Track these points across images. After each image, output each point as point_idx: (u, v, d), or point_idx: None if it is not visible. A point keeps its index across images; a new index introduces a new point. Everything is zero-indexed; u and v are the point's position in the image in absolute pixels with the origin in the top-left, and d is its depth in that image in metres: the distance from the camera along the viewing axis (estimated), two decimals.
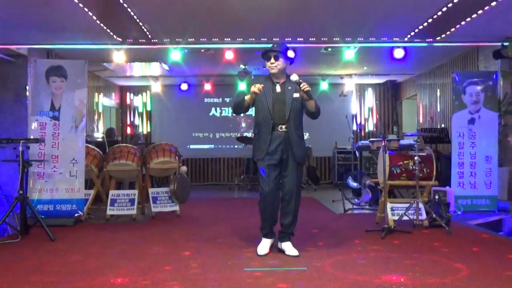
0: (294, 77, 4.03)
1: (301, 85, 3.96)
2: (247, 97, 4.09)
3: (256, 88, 3.98)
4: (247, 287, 3.21)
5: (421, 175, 5.31)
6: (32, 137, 5.70)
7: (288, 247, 4.10)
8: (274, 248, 4.22)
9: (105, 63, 8.97)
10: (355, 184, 7.68)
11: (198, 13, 5.83)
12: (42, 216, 5.23)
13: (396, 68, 9.67)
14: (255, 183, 9.69)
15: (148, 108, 12.15)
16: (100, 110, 10.39)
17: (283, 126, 4.07)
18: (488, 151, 6.63)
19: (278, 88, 4.17)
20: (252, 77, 9.26)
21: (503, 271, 3.53)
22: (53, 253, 4.24)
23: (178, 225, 5.72)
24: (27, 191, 5.28)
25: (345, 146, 11.11)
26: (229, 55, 7.53)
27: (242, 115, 11.12)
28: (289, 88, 4.15)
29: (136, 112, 12.15)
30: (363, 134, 12.05)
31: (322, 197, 8.51)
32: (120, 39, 6.83)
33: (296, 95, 4.12)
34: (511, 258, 3.96)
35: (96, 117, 10.05)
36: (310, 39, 7.01)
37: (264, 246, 4.13)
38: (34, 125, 5.88)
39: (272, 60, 4.10)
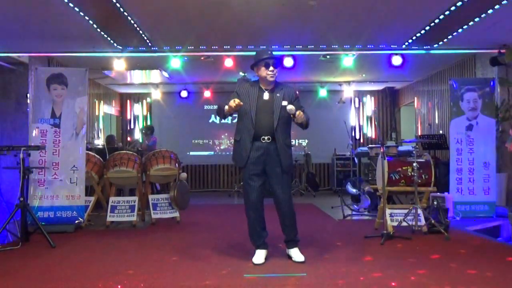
0: (289, 107, 3.87)
1: (296, 115, 3.86)
2: (226, 108, 3.93)
3: (234, 104, 3.84)
4: None
5: (419, 181, 5.33)
6: (33, 144, 5.72)
7: (295, 253, 4.05)
8: (273, 256, 4.24)
9: (105, 71, 9.02)
10: (354, 190, 7.69)
11: (197, 21, 5.89)
12: (43, 223, 5.24)
13: (394, 75, 9.72)
14: None
15: (148, 115, 12.19)
16: (101, 117, 10.43)
17: (266, 138, 3.95)
18: (486, 157, 6.67)
19: (266, 96, 4.02)
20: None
21: (502, 276, 3.55)
22: (53, 260, 4.26)
23: (178, 232, 5.74)
24: (28, 198, 5.30)
25: (344, 152, 11.14)
26: (228, 63, 7.58)
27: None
28: (278, 95, 4.00)
29: (136, 119, 12.19)
30: (362, 141, 12.09)
31: (321, 204, 8.53)
32: (121, 47, 6.89)
33: (284, 102, 3.96)
34: (510, 262, 3.99)
35: (96, 124, 10.09)
36: (309, 46, 7.07)
37: (258, 256, 4.04)
38: (35, 132, 5.91)
39: (272, 67, 3.97)
